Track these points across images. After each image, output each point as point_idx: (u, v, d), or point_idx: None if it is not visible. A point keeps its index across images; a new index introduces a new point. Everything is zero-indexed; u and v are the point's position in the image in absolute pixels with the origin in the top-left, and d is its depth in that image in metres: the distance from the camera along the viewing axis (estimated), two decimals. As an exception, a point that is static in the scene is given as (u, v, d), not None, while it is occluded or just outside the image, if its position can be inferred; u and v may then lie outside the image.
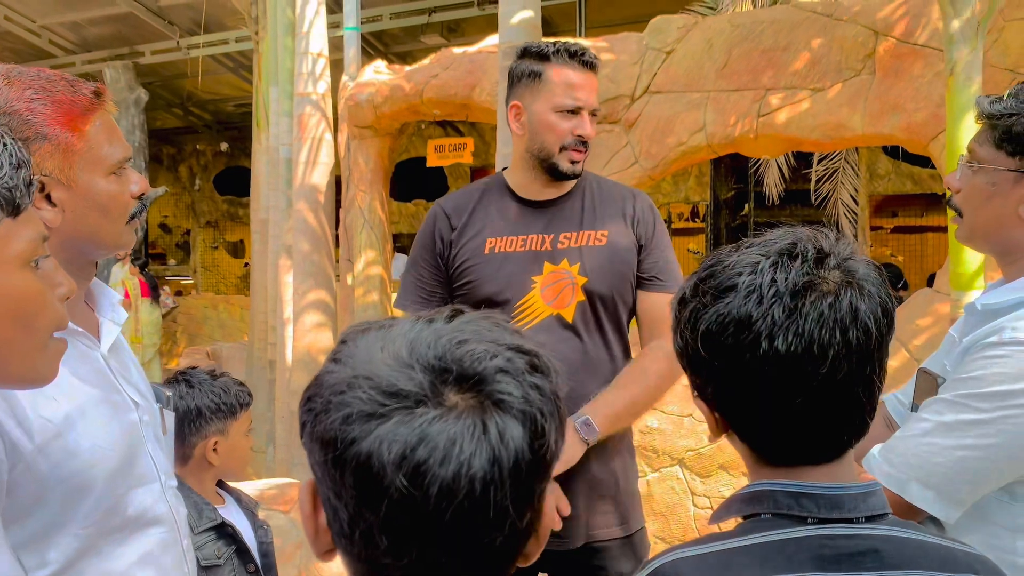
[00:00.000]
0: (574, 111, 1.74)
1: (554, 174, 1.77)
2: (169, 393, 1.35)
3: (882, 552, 0.76)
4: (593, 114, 1.78)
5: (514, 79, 1.81)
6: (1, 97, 1.04)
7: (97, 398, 1.10)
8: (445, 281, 1.82)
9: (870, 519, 0.78)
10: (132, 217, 1.17)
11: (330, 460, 0.57)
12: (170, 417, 1.31)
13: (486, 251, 1.76)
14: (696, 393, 0.86)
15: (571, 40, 1.84)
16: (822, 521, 0.77)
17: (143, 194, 1.18)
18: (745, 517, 0.81)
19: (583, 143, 1.75)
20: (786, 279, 0.76)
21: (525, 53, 1.80)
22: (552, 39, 1.91)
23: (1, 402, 0.98)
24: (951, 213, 1.29)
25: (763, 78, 4.46)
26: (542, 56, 1.76)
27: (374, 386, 0.57)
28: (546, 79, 1.75)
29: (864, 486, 0.80)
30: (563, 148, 1.74)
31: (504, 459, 0.56)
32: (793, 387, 0.76)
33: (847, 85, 4.25)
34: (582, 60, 1.75)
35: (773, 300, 0.75)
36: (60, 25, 10.61)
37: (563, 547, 1.70)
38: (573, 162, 1.75)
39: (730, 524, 0.83)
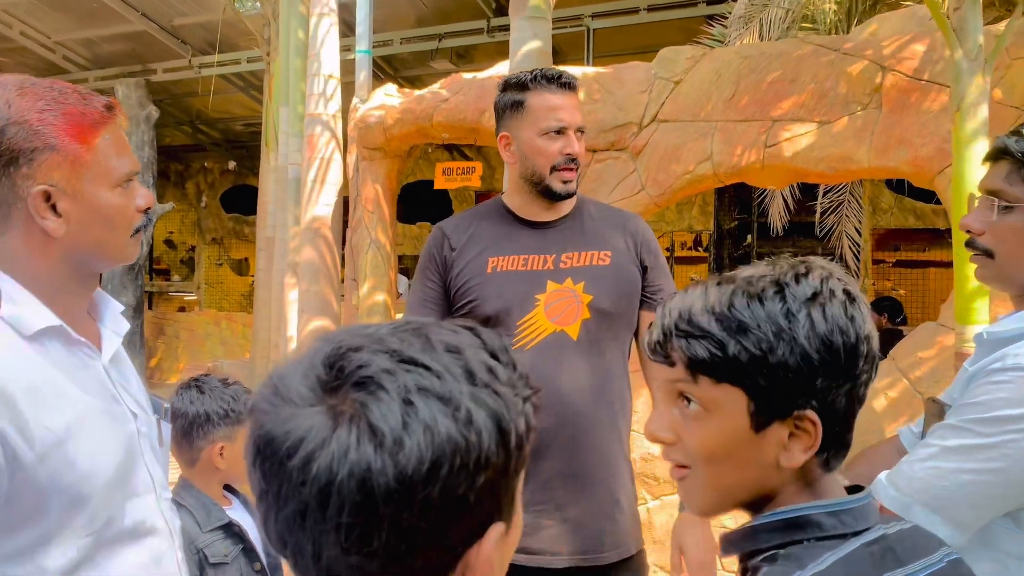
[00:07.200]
0: (560, 131, 1.76)
1: (549, 195, 1.80)
2: (167, 405, 1.35)
3: (896, 550, 0.78)
4: (579, 132, 1.80)
5: (499, 112, 1.85)
6: (13, 107, 1.05)
7: (97, 408, 1.10)
8: (447, 298, 1.84)
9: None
10: (137, 231, 1.17)
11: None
12: (167, 428, 1.31)
13: (488, 270, 1.78)
14: (796, 416, 0.78)
15: (547, 67, 1.87)
16: (856, 534, 0.79)
17: (149, 208, 1.19)
18: (778, 546, 0.79)
19: (572, 161, 1.77)
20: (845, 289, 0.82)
21: (506, 86, 1.84)
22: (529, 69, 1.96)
23: (3, 409, 0.97)
24: (958, 249, 1.28)
25: (770, 109, 4.49)
26: (521, 86, 1.80)
27: (267, 384, 0.60)
28: (528, 106, 1.78)
29: (868, 495, 0.83)
30: (554, 169, 1.77)
31: (340, 471, 0.53)
32: (868, 382, 0.80)
33: (853, 118, 4.27)
34: (560, 83, 1.78)
35: (855, 305, 0.80)
36: (74, 41, 10.74)
37: (594, 562, 1.70)
38: (565, 181, 1.78)
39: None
